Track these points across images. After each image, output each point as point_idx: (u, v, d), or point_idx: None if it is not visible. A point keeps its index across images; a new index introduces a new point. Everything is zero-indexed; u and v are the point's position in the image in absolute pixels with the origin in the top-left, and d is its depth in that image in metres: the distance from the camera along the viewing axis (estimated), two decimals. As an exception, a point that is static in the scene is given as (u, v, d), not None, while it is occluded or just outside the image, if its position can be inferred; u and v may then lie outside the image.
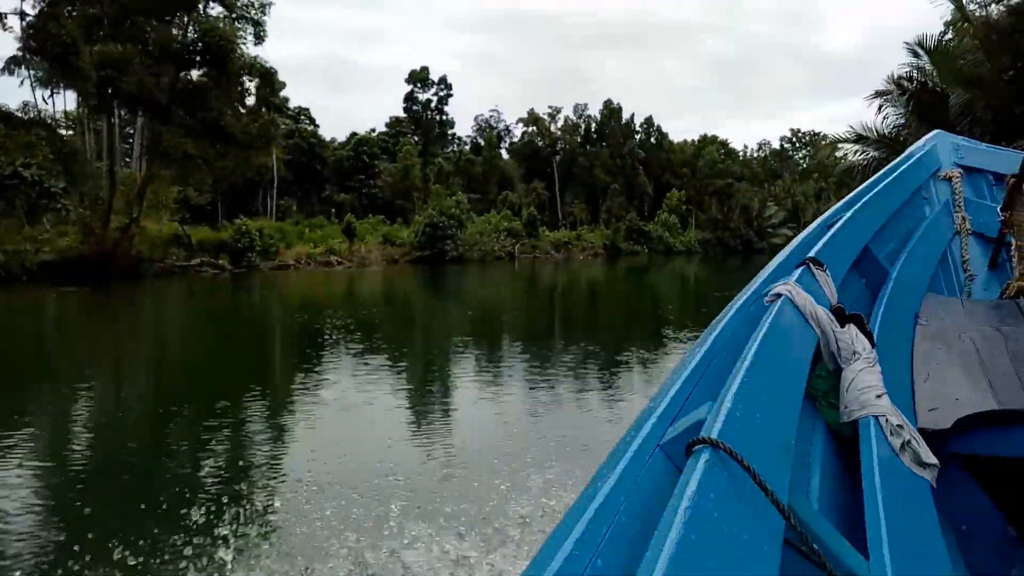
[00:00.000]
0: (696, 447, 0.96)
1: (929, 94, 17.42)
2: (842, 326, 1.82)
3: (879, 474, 1.28)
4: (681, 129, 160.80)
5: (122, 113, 37.83)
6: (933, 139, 4.34)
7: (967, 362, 2.08)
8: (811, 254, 2.15)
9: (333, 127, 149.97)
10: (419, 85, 64.27)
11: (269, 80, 33.58)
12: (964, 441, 1.66)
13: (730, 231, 65.97)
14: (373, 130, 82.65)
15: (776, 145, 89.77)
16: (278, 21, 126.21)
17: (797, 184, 77.14)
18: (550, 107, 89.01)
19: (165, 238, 33.00)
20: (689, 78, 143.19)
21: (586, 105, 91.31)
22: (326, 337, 14.96)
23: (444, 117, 67.27)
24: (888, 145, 18.83)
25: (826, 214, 2.96)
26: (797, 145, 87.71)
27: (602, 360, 12.59)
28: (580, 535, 0.85)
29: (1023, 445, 1.66)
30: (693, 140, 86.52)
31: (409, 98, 64.73)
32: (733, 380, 1.18)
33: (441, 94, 65.72)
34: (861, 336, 1.80)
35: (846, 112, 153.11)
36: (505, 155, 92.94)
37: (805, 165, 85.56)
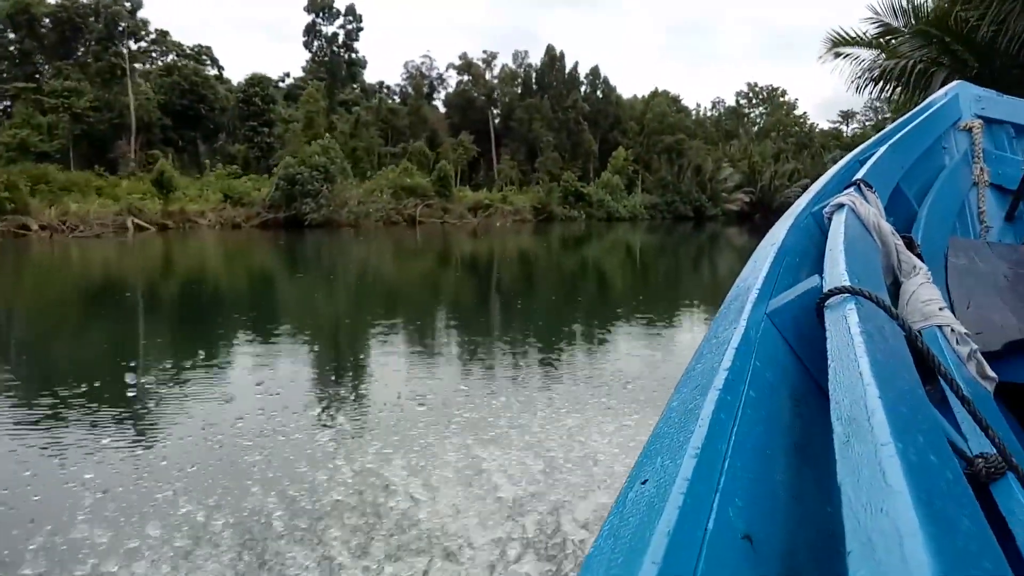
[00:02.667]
0: (834, 298, 1.01)
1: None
2: None
3: (957, 380, 1.27)
4: (632, 90, 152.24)
5: None
6: (955, 89, 4.21)
7: (1004, 296, 2.12)
8: (857, 178, 2.14)
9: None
10: (322, 15, 54.20)
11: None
12: (1005, 367, 1.64)
13: (680, 195, 58.46)
14: (287, 75, 72.38)
15: (731, 102, 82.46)
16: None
17: (754, 144, 70.04)
18: (485, 52, 79.82)
19: None
20: (642, 40, 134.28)
21: (526, 53, 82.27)
22: None
23: (353, 55, 57.32)
24: (940, 43, 10.97)
25: (856, 151, 3.08)
26: (754, 101, 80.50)
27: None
28: (724, 381, 0.85)
29: None
30: (644, 96, 78.56)
31: (310, 31, 54.63)
32: (837, 256, 1.23)
33: (349, 27, 55.73)
34: (915, 256, 1.82)
35: (806, 74, 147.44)
36: (442, 108, 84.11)
37: (762, 123, 78.61)
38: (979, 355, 1.47)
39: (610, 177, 55.02)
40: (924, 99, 4.17)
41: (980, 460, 0.91)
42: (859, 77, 12.23)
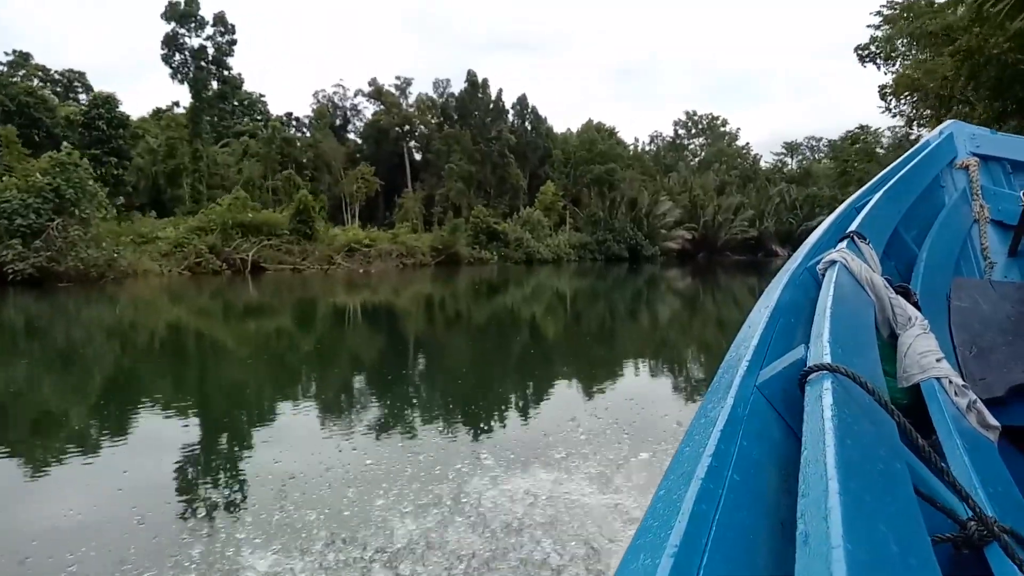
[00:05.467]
0: (813, 376, 1.02)
1: None
2: None
3: (954, 434, 1.31)
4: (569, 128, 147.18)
5: None
6: (949, 128, 4.35)
7: (1008, 338, 2.06)
8: (851, 230, 2.15)
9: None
10: (185, 25, 45.33)
11: None
12: (1011, 412, 1.65)
13: (613, 232, 50.83)
14: (175, 103, 62.87)
15: (670, 132, 76.35)
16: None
17: (695, 176, 63.49)
18: (398, 78, 72.10)
19: None
20: (583, 85, 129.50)
21: (448, 81, 75.13)
22: None
23: (227, 73, 48.43)
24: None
25: (852, 197, 3.06)
26: (693, 131, 74.52)
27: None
28: (707, 469, 0.86)
29: None
30: (577, 130, 71.63)
31: (171, 43, 45.60)
32: (823, 324, 1.24)
33: (220, 40, 46.93)
34: (911, 306, 1.79)
35: (746, 117, 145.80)
36: (359, 140, 76.20)
37: (703, 155, 72.55)
38: (979, 405, 1.44)
39: (531, 213, 47.00)
40: None
41: (973, 523, 0.90)
42: None
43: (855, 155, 28.47)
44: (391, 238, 37.30)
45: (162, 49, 45.62)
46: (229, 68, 48.44)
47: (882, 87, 24.46)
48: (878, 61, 24.91)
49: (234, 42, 47.51)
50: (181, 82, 46.29)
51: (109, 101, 46.65)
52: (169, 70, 46.11)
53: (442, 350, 13.34)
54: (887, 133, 32.26)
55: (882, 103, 23.91)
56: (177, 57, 46.07)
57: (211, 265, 27.70)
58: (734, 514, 0.80)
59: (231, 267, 28.65)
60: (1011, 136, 4.66)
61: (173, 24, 45.40)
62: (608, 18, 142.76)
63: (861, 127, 27.63)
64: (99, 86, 62.04)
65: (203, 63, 46.78)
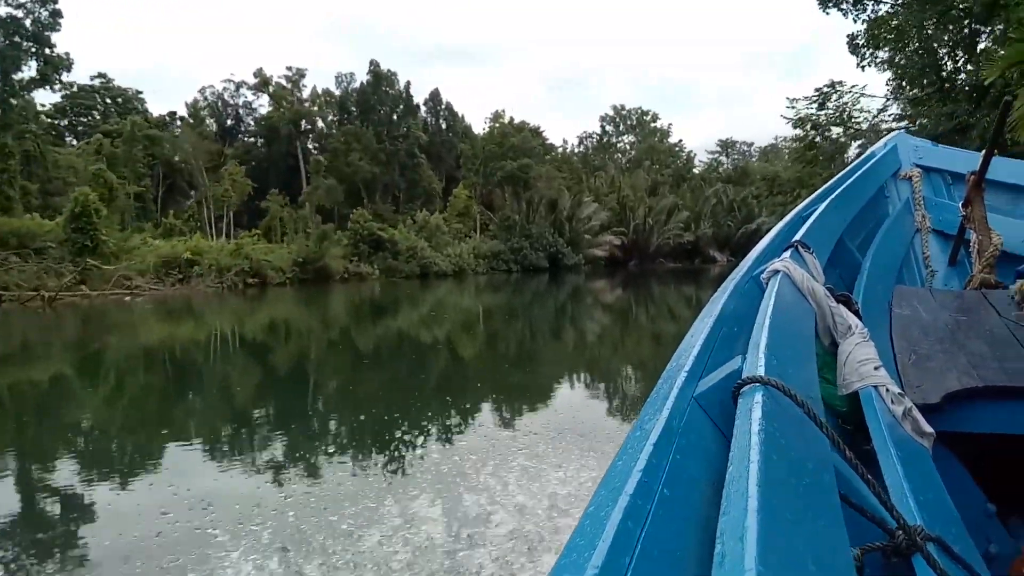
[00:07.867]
0: (746, 388, 1.03)
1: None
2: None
3: (888, 442, 1.33)
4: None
5: None
6: (894, 140, 4.50)
7: (945, 345, 2.12)
8: (795, 239, 2.19)
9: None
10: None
11: None
12: (946, 418, 1.69)
13: (530, 239, 43.72)
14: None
15: (597, 129, 70.01)
16: None
17: (625, 176, 57.11)
18: (289, 68, 63.56)
19: None
20: (520, 95, 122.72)
21: (351, 75, 67.06)
22: None
23: (49, 52, 39.13)
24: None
25: (800, 206, 3.06)
26: (621, 128, 68.32)
27: None
28: (637, 484, 0.84)
29: (1004, 422, 1.72)
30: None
31: (-33, 12, 36.17)
32: (760, 335, 1.24)
33: (38, 11, 37.75)
34: (851, 314, 1.82)
35: (678, 123, 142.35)
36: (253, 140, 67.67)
37: (633, 153, 66.44)
38: (915, 412, 1.47)
39: (427, 217, 39.41)
40: None
41: (900, 532, 0.92)
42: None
43: (824, 120, 22.19)
44: (233, 250, 29.00)
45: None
46: (52, 46, 39.14)
47: (851, 36, 18.37)
48: (844, 5, 18.75)
49: (58, 13, 38.37)
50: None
51: None
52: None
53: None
54: (868, 90, 26.35)
55: (853, 56, 17.84)
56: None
57: None
58: (662, 531, 0.77)
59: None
60: (951, 149, 4.71)
61: (-30, -11, 35.98)
62: (541, 29, 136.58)
63: (832, 83, 21.30)
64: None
65: (16, 38, 37.47)
